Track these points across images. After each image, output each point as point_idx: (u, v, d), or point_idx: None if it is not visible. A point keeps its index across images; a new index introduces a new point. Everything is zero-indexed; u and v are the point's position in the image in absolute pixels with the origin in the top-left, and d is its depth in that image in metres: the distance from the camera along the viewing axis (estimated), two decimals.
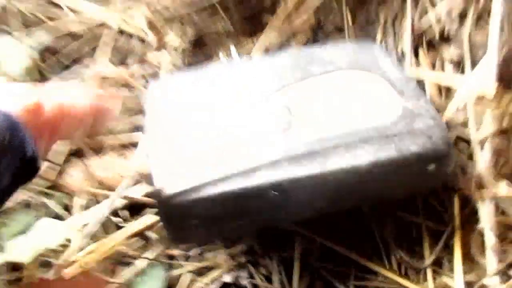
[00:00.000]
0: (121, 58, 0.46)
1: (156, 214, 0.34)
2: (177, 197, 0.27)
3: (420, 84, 0.37)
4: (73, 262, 0.33)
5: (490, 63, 0.33)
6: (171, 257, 0.35)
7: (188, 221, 0.28)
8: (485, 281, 0.30)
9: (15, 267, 0.34)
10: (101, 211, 0.34)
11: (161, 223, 0.33)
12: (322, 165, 0.26)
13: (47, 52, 0.44)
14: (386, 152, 0.27)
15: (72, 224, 0.34)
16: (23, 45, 0.42)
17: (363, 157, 0.26)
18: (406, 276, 0.32)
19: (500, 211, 0.32)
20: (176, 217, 0.28)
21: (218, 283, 0.34)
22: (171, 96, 0.31)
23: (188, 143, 0.28)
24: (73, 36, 0.45)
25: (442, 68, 0.38)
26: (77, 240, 0.33)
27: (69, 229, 0.33)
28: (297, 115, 0.28)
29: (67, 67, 0.45)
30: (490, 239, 0.30)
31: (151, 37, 0.45)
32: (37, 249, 0.32)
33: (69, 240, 0.33)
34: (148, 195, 0.35)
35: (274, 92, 0.29)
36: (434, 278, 0.32)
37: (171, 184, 0.27)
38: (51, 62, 0.44)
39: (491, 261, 0.30)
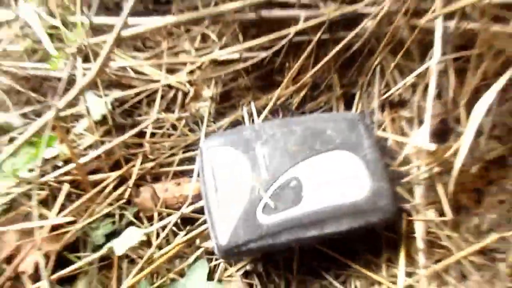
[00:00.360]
0: (168, 106, 0.62)
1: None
2: (231, 248, 0.44)
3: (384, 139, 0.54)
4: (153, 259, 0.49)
5: (426, 124, 0.50)
6: (211, 253, 0.51)
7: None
8: (417, 271, 0.47)
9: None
10: (169, 221, 0.51)
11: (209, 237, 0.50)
12: (314, 232, 0.44)
13: (116, 102, 0.61)
14: (357, 223, 0.45)
15: (148, 231, 0.50)
16: (101, 99, 0.58)
17: (344, 225, 0.44)
18: (369, 268, 0.49)
19: (427, 228, 0.49)
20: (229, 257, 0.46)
21: (243, 270, 0.50)
22: (221, 156, 0.48)
23: (239, 196, 0.45)
24: (134, 90, 0.62)
25: (400, 125, 0.55)
26: (155, 243, 0.49)
27: (147, 234, 0.50)
28: (305, 189, 0.46)
29: (130, 113, 0.62)
30: (421, 246, 0.47)
31: (191, 91, 0.61)
32: (127, 246, 0.48)
33: (148, 243, 0.50)
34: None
35: (291, 167, 0.46)
36: (387, 270, 0.49)
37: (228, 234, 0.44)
38: (119, 111, 0.61)
39: (421, 259, 0.47)
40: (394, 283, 0.46)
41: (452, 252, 0.46)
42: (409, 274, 0.47)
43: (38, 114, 0.61)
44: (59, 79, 0.61)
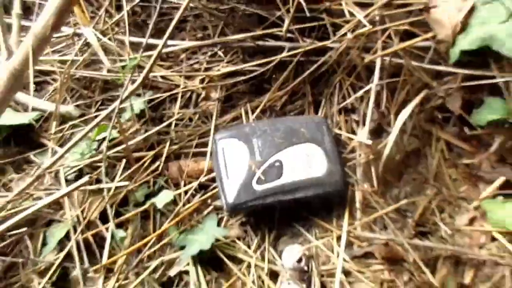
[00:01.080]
0: (185, 104, 0.85)
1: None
2: (235, 206, 0.67)
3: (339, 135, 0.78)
4: (179, 212, 0.72)
5: (367, 126, 0.74)
6: (218, 209, 0.75)
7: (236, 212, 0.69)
8: (355, 223, 0.72)
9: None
10: (191, 186, 0.74)
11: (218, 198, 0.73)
12: (290, 196, 0.67)
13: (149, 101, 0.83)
14: (318, 191, 0.68)
15: (176, 193, 0.73)
16: (140, 97, 0.80)
17: (309, 192, 0.68)
18: (324, 221, 0.73)
19: (363, 195, 0.73)
20: (233, 212, 0.69)
21: (240, 221, 0.74)
22: (229, 148, 0.71)
23: (241, 171, 0.68)
24: (161, 91, 0.84)
25: (351, 126, 0.79)
26: (181, 202, 0.72)
27: (175, 195, 0.73)
28: (285, 168, 0.69)
29: (157, 108, 0.84)
30: (358, 206, 0.72)
31: (203, 93, 0.84)
32: (163, 202, 0.71)
33: (174, 202, 0.73)
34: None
35: (276, 153, 0.69)
36: (337, 222, 0.73)
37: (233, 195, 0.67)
38: (149, 105, 0.83)
39: (358, 215, 0.72)
40: (340, 229, 0.71)
41: (378, 210, 0.71)
42: (350, 224, 0.72)
43: (89, 106, 0.83)
44: (102, 81, 0.83)
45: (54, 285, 0.66)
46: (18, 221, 0.61)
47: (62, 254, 0.67)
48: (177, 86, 0.84)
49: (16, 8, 0.67)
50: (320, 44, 0.77)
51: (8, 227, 0.60)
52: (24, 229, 0.66)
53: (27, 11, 0.92)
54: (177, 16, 0.65)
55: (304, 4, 0.72)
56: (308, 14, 0.74)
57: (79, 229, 0.68)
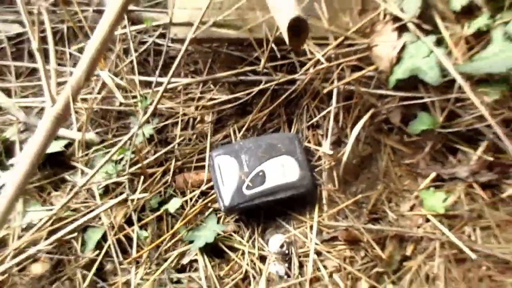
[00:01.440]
0: (185, 127, 1.05)
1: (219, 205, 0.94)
2: (230, 207, 0.88)
3: (308, 147, 0.99)
4: (187, 214, 0.93)
5: (329, 139, 0.96)
6: (217, 210, 0.95)
7: (230, 213, 0.90)
8: (323, 214, 0.93)
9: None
10: (194, 194, 0.94)
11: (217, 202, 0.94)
12: (272, 197, 0.88)
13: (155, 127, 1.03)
14: (293, 192, 0.89)
15: (183, 200, 0.94)
16: (149, 125, 1.00)
17: (287, 194, 0.89)
18: (299, 214, 0.95)
19: (328, 193, 0.95)
20: (229, 212, 0.90)
21: (235, 218, 0.95)
22: (223, 162, 0.91)
23: (233, 180, 0.89)
24: (164, 118, 1.04)
25: (317, 139, 1.00)
26: (189, 206, 0.93)
27: (182, 202, 0.93)
28: (267, 176, 0.90)
29: (161, 131, 1.04)
30: (325, 202, 0.94)
31: (198, 117, 1.04)
32: (174, 208, 0.91)
33: (182, 207, 0.93)
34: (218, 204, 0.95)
35: (259, 165, 0.90)
36: (310, 215, 0.95)
37: (228, 199, 0.88)
38: (158, 130, 1.03)
39: (325, 208, 0.93)
40: (312, 220, 0.93)
41: (339, 204, 0.93)
42: (319, 216, 0.93)
43: (106, 132, 1.02)
44: (116, 111, 1.02)
45: (94, 275, 0.86)
46: (72, 229, 0.81)
47: (103, 251, 0.87)
48: (177, 113, 1.04)
49: (53, 63, 0.86)
50: (289, 77, 0.98)
51: (64, 233, 0.80)
52: (75, 234, 0.86)
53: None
54: (177, 60, 0.86)
55: (275, 47, 0.93)
56: (278, 55, 0.95)
57: (112, 232, 0.88)
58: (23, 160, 0.80)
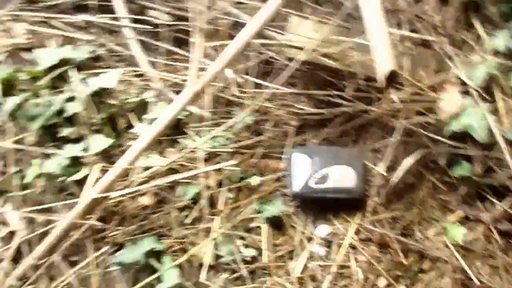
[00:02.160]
0: (275, 125, 1.32)
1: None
2: (299, 194, 1.15)
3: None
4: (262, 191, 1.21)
5: (385, 161, 1.20)
6: (284, 195, 1.23)
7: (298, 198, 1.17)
8: (370, 217, 1.18)
9: None
10: (272, 177, 1.22)
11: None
12: (330, 195, 1.16)
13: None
14: (348, 196, 1.17)
15: (263, 179, 1.22)
16: (249, 116, 1.29)
17: (342, 195, 1.17)
18: (348, 215, 1.20)
19: (374, 205, 1.20)
20: (295, 197, 1.17)
21: (296, 205, 1.22)
22: (299, 159, 1.18)
23: (304, 174, 1.16)
24: (259, 114, 1.32)
25: (375, 160, 1.25)
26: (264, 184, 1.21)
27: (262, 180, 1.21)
28: (330, 178, 1.16)
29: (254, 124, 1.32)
30: (370, 208, 1.19)
31: (287, 119, 1.31)
32: (255, 182, 1.19)
33: (260, 185, 1.21)
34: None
35: (326, 167, 1.17)
36: (358, 216, 1.20)
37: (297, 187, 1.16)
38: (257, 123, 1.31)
39: (367, 216, 1.19)
40: (355, 221, 1.18)
41: (380, 214, 1.17)
42: (361, 220, 1.18)
43: (214, 113, 1.32)
44: (226, 100, 1.32)
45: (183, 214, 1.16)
46: (179, 179, 1.11)
47: (199, 204, 1.17)
48: (271, 112, 1.31)
49: (198, 53, 1.17)
50: (367, 107, 1.23)
51: (171, 181, 1.11)
52: (179, 183, 1.16)
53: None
54: (285, 72, 1.14)
55: (362, 81, 1.19)
56: (362, 87, 1.21)
57: (208, 191, 1.18)
58: (161, 120, 1.10)
